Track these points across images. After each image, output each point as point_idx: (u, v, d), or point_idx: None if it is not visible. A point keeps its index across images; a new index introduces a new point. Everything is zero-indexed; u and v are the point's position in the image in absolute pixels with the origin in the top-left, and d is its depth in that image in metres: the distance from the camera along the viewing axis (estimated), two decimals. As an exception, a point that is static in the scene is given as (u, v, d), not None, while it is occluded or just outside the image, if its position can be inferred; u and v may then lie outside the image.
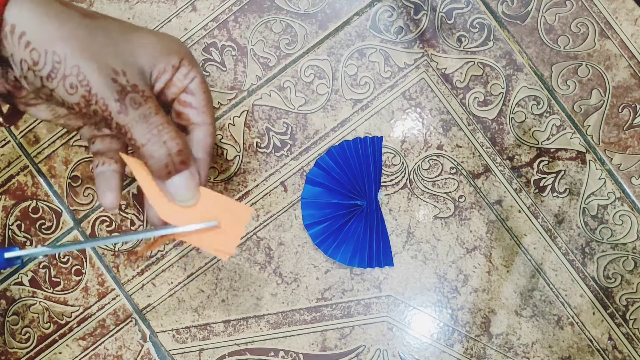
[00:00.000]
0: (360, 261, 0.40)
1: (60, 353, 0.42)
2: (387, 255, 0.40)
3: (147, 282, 0.42)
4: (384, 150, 0.41)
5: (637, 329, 0.40)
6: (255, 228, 0.41)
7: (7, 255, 0.26)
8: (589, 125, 0.40)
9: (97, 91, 0.24)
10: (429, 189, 0.41)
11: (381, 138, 0.41)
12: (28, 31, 0.23)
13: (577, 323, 0.40)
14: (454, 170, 0.41)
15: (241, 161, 0.41)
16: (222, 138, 0.41)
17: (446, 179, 0.41)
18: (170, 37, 0.28)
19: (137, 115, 0.24)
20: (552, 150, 0.40)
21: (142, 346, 0.42)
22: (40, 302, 0.42)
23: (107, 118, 0.24)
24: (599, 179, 0.40)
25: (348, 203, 0.40)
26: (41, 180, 0.42)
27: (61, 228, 0.42)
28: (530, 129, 0.40)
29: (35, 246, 0.42)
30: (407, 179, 0.41)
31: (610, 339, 0.40)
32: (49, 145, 0.42)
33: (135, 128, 0.24)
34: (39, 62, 0.24)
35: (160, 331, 0.42)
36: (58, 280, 0.42)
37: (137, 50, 0.26)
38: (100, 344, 0.42)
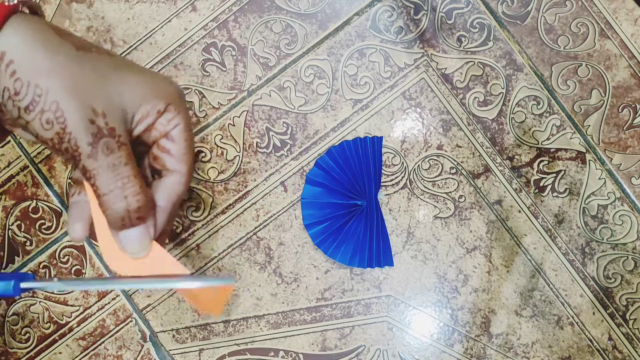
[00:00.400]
0: (360, 261, 0.40)
1: (60, 353, 0.42)
2: (387, 255, 0.40)
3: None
4: (384, 150, 0.41)
5: (637, 329, 0.40)
6: (255, 228, 0.41)
7: (23, 285, 0.26)
8: (589, 125, 0.40)
9: (72, 130, 0.23)
10: (429, 189, 0.41)
11: (381, 138, 0.41)
12: (16, 60, 0.23)
13: (577, 323, 0.40)
14: (454, 170, 0.41)
15: (241, 161, 0.41)
16: (222, 138, 0.41)
17: (446, 179, 0.41)
18: (162, 77, 0.27)
19: (105, 163, 0.24)
20: (552, 150, 0.40)
21: (142, 346, 0.42)
22: (40, 302, 0.42)
23: (76, 158, 0.24)
24: (599, 179, 0.40)
25: (348, 203, 0.40)
26: (41, 180, 0.42)
27: (61, 228, 0.42)
28: (530, 129, 0.40)
29: (36, 246, 0.42)
30: (407, 179, 0.41)
31: (610, 339, 0.40)
32: (49, 145, 0.42)
33: (100, 175, 0.24)
34: (19, 93, 0.23)
35: (160, 331, 0.42)
36: (58, 280, 0.42)
37: (125, 89, 0.25)
38: (100, 344, 0.42)
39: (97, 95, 0.24)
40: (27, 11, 0.28)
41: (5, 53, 0.23)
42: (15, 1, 0.24)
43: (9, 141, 0.42)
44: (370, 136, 0.41)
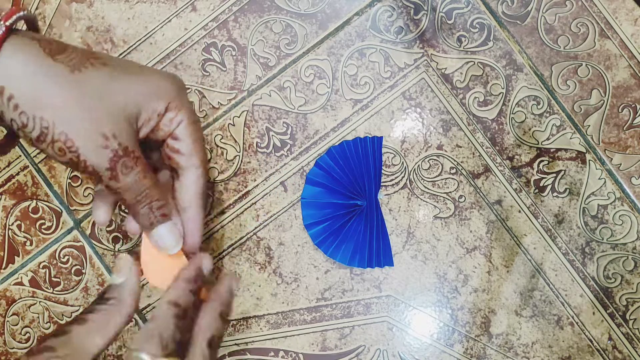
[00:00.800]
0: (360, 261, 0.40)
1: (60, 353, 0.42)
2: (387, 255, 0.40)
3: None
4: (384, 150, 0.41)
5: (637, 329, 0.40)
6: (255, 228, 0.41)
7: None
8: (589, 125, 0.40)
9: (86, 158, 0.25)
10: (429, 189, 0.41)
11: (381, 138, 0.41)
12: (16, 94, 0.23)
13: (577, 323, 0.40)
14: (454, 170, 0.41)
15: (241, 161, 0.41)
16: (222, 138, 0.41)
17: (446, 179, 0.41)
18: (159, 75, 0.28)
19: (127, 181, 0.26)
20: (552, 150, 0.40)
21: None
22: (40, 302, 0.42)
23: (98, 179, 0.26)
24: (599, 179, 0.40)
25: (348, 203, 0.40)
26: (41, 180, 0.42)
27: (61, 228, 0.42)
28: (530, 129, 0.40)
29: (36, 246, 0.42)
30: (407, 179, 0.41)
31: (610, 339, 0.40)
32: (49, 145, 0.42)
33: (124, 192, 0.26)
34: (27, 125, 0.24)
35: (160, 331, 0.42)
36: (58, 280, 0.42)
37: (125, 98, 0.26)
38: (100, 344, 0.42)
39: (102, 116, 0.25)
40: (25, 26, 0.27)
41: (5, 88, 0.23)
42: (8, 23, 0.24)
43: (9, 141, 0.42)
44: (370, 136, 0.41)
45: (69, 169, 0.42)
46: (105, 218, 0.31)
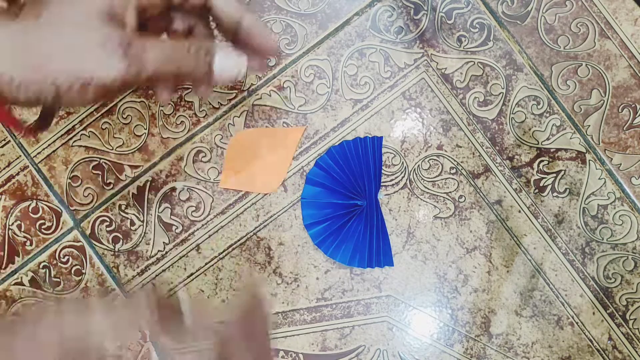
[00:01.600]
0: (360, 261, 0.40)
1: (60, 353, 0.42)
2: (387, 255, 0.40)
3: (147, 282, 0.42)
4: (384, 150, 0.41)
5: (637, 329, 0.40)
6: (255, 228, 0.41)
7: None
8: (589, 125, 0.40)
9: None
10: (429, 189, 0.41)
11: (381, 138, 0.41)
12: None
13: (577, 323, 0.40)
14: (454, 170, 0.41)
15: (241, 161, 0.41)
16: (222, 138, 0.41)
17: (446, 179, 0.41)
18: None
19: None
20: (552, 150, 0.40)
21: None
22: (40, 302, 0.42)
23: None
24: (599, 179, 0.40)
25: (348, 203, 0.40)
26: (41, 180, 0.42)
27: (61, 228, 0.42)
28: (530, 129, 0.40)
29: (36, 246, 0.42)
30: (407, 179, 0.41)
31: (610, 339, 0.40)
32: (49, 145, 0.42)
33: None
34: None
35: (160, 331, 0.42)
36: (58, 280, 0.42)
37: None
38: (100, 344, 0.42)
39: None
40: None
41: None
42: None
43: (9, 141, 0.42)
44: (370, 136, 0.41)
45: (68, 169, 0.42)
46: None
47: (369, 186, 0.40)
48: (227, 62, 0.29)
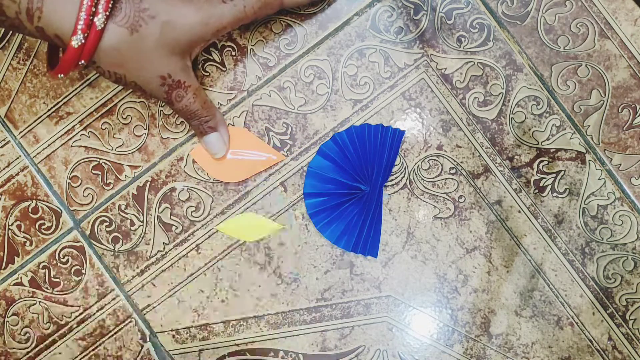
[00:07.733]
0: (346, 243, 0.40)
1: (60, 353, 0.42)
2: (374, 245, 0.40)
3: (147, 283, 0.42)
4: (383, 150, 0.41)
5: (637, 329, 0.40)
6: (255, 228, 0.41)
7: None
8: (589, 126, 0.40)
9: (151, 94, 0.35)
10: (428, 189, 0.41)
11: (403, 132, 0.40)
12: (96, 59, 0.33)
13: (577, 323, 0.40)
14: (453, 171, 0.41)
15: (241, 161, 0.41)
16: (222, 138, 0.41)
17: (446, 179, 0.41)
18: (196, 8, 0.34)
19: (180, 106, 0.36)
20: (552, 150, 0.40)
21: (142, 347, 0.42)
22: (40, 302, 0.42)
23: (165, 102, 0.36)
24: (599, 179, 0.40)
25: (352, 184, 0.40)
26: (41, 181, 0.42)
27: (61, 228, 0.42)
28: (530, 129, 0.40)
29: (36, 246, 0.42)
30: (407, 179, 0.41)
31: (610, 339, 0.40)
32: (48, 145, 0.42)
33: (179, 113, 0.37)
34: (111, 77, 0.34)
35: (160, 331, 0.42)
36: (58, 280, 0.42)
37: (176, 38, 0.33)
38: (100, 345, 0.42)
39: (158, 63, 0.33)
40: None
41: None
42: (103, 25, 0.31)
43: (9, 141, 0.42)
44: (393, 127, 0.41)
45: (68, 169, 0.42)
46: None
47: (377, 175, 0.40)
48: (214, 144, 0.39)
